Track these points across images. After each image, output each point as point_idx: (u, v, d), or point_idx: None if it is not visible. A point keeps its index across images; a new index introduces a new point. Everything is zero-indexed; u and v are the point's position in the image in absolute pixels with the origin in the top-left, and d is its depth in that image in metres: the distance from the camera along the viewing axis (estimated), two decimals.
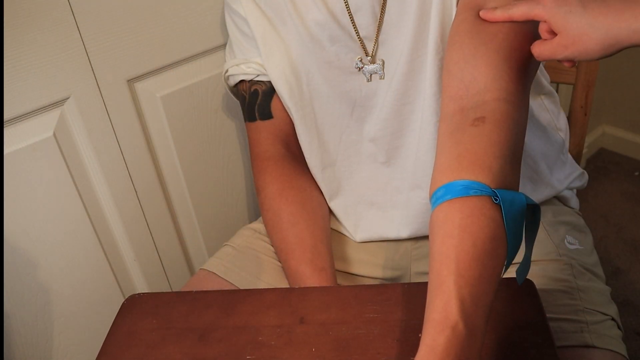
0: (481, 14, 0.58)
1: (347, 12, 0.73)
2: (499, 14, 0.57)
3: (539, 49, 0.55)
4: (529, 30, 0.58)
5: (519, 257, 0.53)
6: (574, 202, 0.88)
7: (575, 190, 0.90)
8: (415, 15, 0.69)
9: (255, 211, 1.15)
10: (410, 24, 0.70)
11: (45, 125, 0.82)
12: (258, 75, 0.84)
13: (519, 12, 0.55)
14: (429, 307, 0.46)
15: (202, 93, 0.98)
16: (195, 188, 1.04)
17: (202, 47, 0.95)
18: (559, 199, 0.87)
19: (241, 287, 0.79)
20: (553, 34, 0.53)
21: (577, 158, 0.95)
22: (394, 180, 0.82)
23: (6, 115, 0.77)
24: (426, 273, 0.82)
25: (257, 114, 0.85)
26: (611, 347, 0.67)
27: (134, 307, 0.68)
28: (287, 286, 0.79)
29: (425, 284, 0.50)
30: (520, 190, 0.53)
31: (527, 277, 0.59)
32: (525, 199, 0.50)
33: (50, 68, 0.79)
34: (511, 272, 0.57)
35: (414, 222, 0.82)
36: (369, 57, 0.75)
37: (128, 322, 0.66)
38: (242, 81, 0.86)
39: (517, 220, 0.49)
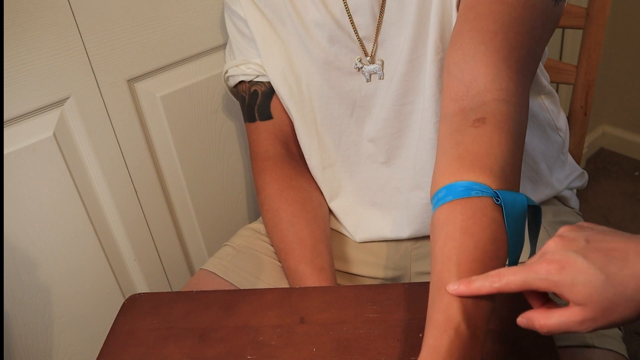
0: (449, 288, 0.45)
1: (346, 12, 0.73)
2: (480, 287, 0.44)
3: (549, 324, 0.44)
4: (529, 29, 0.58)
5: (523, 257, 0.53)
6: (574, 202, 0.88)
7: (575, 190, 0.90)
8: (415, 16, 0.69)
9: (255, 211, 1.15)
10: (410, 24, 0.70)
11: (45, 125, 0.82)
12: (257, 76, 0.84)
13: (511, 285, 0.44)
14: (431, 309, 0.47)
15: (202, 93, 0.98)
16: (195, 188, 1.04)
17: (202, 47, 0.95)
18: (559, 199, 0.87)
19: (241, 287, 0.79)
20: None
21: (577, 158, 0.95)
22: (393, 180, 0.82)
23: (6, 115, 0.77)
24: (426, 273, 0.82)
25: (256, 115, 0.85)
26: (611, 347, 0.67)
27: (134, 307, 0.68)
28: (287, 286, 0.79)
29: (426, 284, 0.50)
30: (520, 190, 0.53)
31: None
32: (527, 200, 0.50)
33: (50, 68, 0.79)
34: None
35: (414, 223, 0.82)
36: (368, 58, 0.75)
37: (128, 322, 0.66)
38: (241, 82, 0.86)
39: (518, 221, 0.49)
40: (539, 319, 0.44)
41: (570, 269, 0.42)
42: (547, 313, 0.44)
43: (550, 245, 0.44)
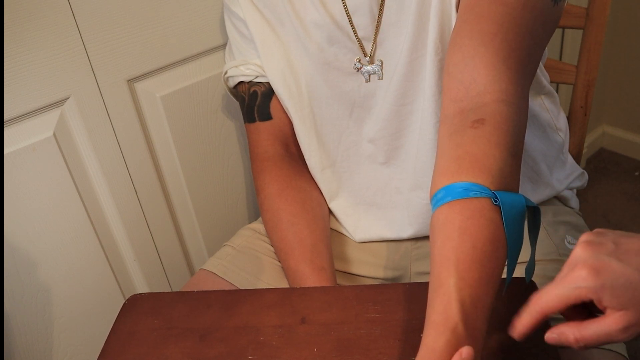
0: (513, 333, 0.45)
1: (345, 12, 0.73)
2: (528, 320, 0.43)
3: (587, 335, 0.40)
4: (529, 30, 0.58)
5: (524, 257, 0.53)
6: (574, 202, 0.88)
7: (575, 190, 0.90)
8: (414, 16, 0.69)
9: (255, 211, 1.15)
10: (409, 24, 0.70)
11: (45, 125, 0.82)
12: (257, 77, 0.84)
13: (549, 305, 0.41)
14: (430, 309, 0.47)
15: (202, 93, 0.98)
16: (195, 188, 1.04)
17: (202, 47, 0.95)
18: (559, 199, 0.87)
19: (241, 287, 0.79)
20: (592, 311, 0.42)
21: (577, 158, 0.95)
22: (393, 180, 0.82)
23: (6, 115, 0.77)
24: (426, 273, 0.82)
25: (256, 115, 0.85)
26: (611, 347, 0.67)
27: (135, 307, 0.68)
28: (287, 286, 0.79)
29: (426, 284, 0.50)
30: (520, 191, 0.53)
31: None
32: (525, 201, 0.50)
33: (50, 68, 0.79)
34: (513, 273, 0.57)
35: (414, 223, 0.82)
36: (367, 58, 0.75)
37: (129, 322, 0.66)
38: (241, 82, 0.86)
39: (517, 222, 0.49)
40: (573, 331, 0.41)
41: (607, 272, 0.39)
42: (582, 324, 0.41)
43: (579, 253, 0.42)
